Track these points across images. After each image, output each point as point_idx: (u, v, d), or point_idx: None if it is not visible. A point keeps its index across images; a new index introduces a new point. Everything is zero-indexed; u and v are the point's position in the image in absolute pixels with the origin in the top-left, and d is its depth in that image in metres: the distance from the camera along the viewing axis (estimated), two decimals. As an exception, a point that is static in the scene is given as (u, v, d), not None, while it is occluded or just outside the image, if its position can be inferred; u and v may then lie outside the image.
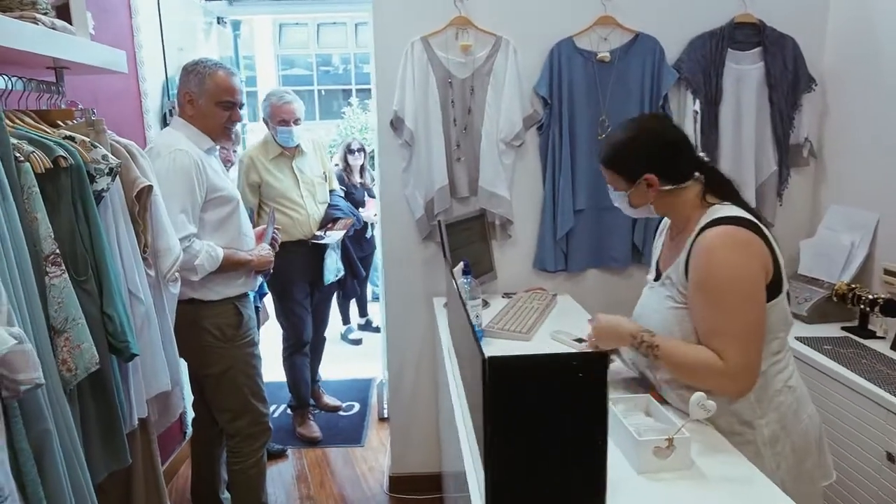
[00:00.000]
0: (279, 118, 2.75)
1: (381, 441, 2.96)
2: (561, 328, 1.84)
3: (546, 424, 0.93)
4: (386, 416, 2.89)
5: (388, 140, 2.27)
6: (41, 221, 1.15)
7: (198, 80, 1.86)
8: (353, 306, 4.56)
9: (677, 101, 2.27)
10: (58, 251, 1.17)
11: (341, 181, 3.72)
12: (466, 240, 2.20)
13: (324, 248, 2.88)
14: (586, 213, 2.29)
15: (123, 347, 1.33)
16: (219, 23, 3.25)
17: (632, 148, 1.29)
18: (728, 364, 1.15)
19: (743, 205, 1.25)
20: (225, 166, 2.36)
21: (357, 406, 3.32)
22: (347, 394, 3.45)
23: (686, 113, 2.24)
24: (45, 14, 1.38)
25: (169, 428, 2.38)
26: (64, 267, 1.18)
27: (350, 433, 3.04)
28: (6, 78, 1.32)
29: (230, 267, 1.88)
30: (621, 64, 2.20)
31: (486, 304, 2.18)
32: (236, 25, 9.16)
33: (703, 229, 1.21)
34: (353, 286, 3.95)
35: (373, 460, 2.82)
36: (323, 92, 13.43)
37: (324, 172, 2.97)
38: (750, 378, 1.18)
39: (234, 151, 2.89)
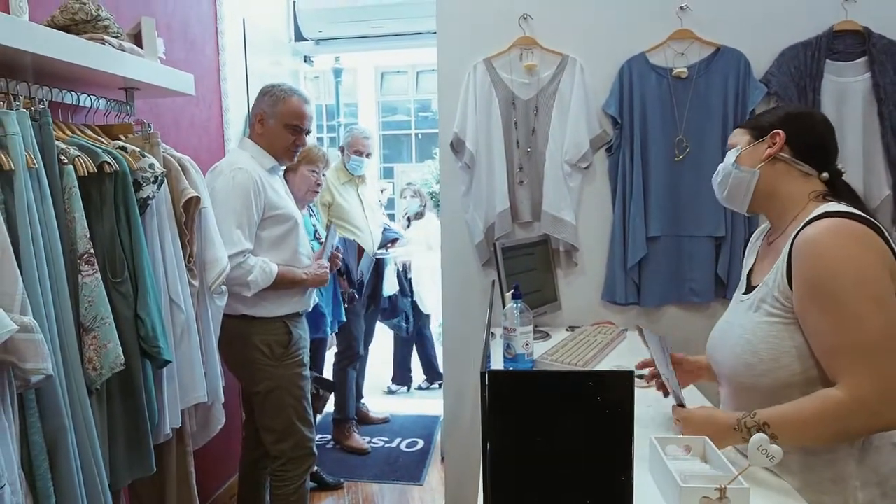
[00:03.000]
0: (356, 148, 3.05)
1: (441, 482, 2.81)
2: (621, 365, 1.64)
3: (556, 454, 0.79)
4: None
5: (449, 163, 2.23)
6: (78, 221, 1.19)
7: (272, 102, 1.93)
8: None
9: (767, 119, 2.04)
10: (92, 251, 1.20)
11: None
12: (527, 266, 2.06)
13: (383, 265, 3.12)
14: (662, 241, 2.08)
15: (155, 352, 1.34)
16: (306, 62, 3.44)
17: (779, 109, 1.21)
18: (860, 393, 0.90)
19: (863, 210, 1.03)
20: (317, 189, 2.52)
21: (420, 443, 3.20)
22: (412, 430, 3.35)
23: (777, 130, 2.00)
24: (116, 37, 1.49)
25: (229, 448, 2.42)
26: (97, 267, 1.21)
27: (410, 471, 2.92)
28: (75, 95, 1.42)
29: (284, 284, 1.89)
30: (701, 80, 2.02)
31: (546, 335, 2.03)
32: (338, 73, 9.78)
33: (806, 224, 1.00)
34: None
35: (430, 501, 2.67)
36: (420, 136, 13.88)
37: (378, 201, 3.27)
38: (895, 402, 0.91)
39: (324, 175, 2.89)
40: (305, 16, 3.66)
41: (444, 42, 2.19)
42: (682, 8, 2.03)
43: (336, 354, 3.12)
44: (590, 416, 0.79)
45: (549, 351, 1.77)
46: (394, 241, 3.25)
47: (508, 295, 1.69)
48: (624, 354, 1.81)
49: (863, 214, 0.99)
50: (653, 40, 2.06)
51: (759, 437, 0.88)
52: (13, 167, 1.04)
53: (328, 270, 2.06)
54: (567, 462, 0.80)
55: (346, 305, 2.85)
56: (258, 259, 1.81)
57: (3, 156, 1.03)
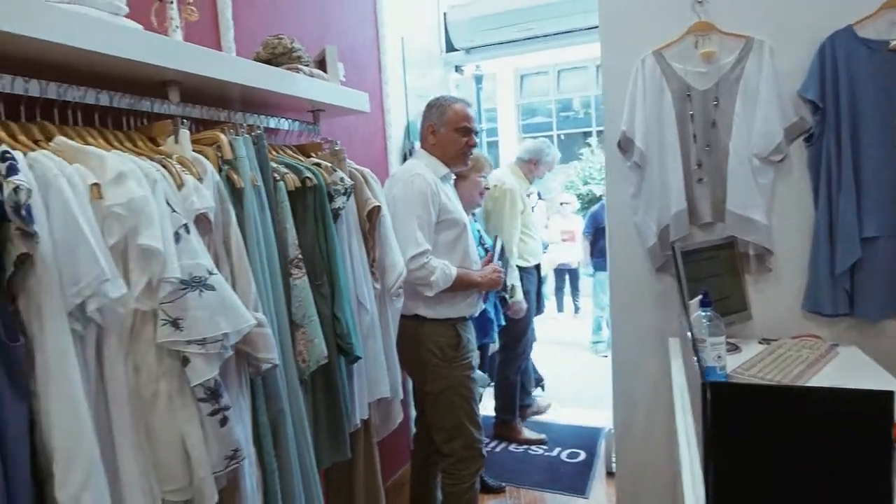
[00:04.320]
0: (545, 171, 3.40)
1: (609, 497, 2.69)
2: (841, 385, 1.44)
3: (793, 482, 0.70)
4: (614, 470, 2.63)
5: (616, 164, 2.14)
6: (289, 230, 1.33)
7: (439, 112, 2.04)
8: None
9: None
10: (300, 256, 1.33)
11: None
12: (710, 271, 1.90)
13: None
14: (882, 242, 1.77)
15: (349, 348, 1.45)
16: (457, 71, 3.54)
17: None
18: None
19: None
20: (484, 193, 2.60)
21: (583, 454, 3.10)
22: (572, 440, 3.27)
23: None
24: (307, 66, 1.65)
25: (399, 442, 2.54)
26: (304, 270, 1.34)
27: (573, 482, 2.84)
28: (275, 119, 1.59)
29: (461, 286, 1.96)
30: (925, 50, 1.73)
31: (735, 348, 1.84)
32: (479, 80, 9.95)
33: None
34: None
35: (598, 515, 2.58)
36: (563, 136, 13.62)
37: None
38: None
39: (485, 177, 2.74)
40: (456, 26, 3.78)
41: (608, 37, 2.11)
42: (897, -32, 1.75)
43: (500, 356, 3.17)
44: (836, 441, 0.69)
45: (744, 365, 1.61)
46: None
47: (692, 303, 1.58)
48: (840, 374, 1.58)
49: None
50: (861, 10, 1.79)
51: None
52: (243, 185, 1.18)
53: (501, 275, 2.10)
54: (806, 492, 0.71)
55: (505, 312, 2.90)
56: (439, 261, 1.89)
57: (235, 176, 1.18)
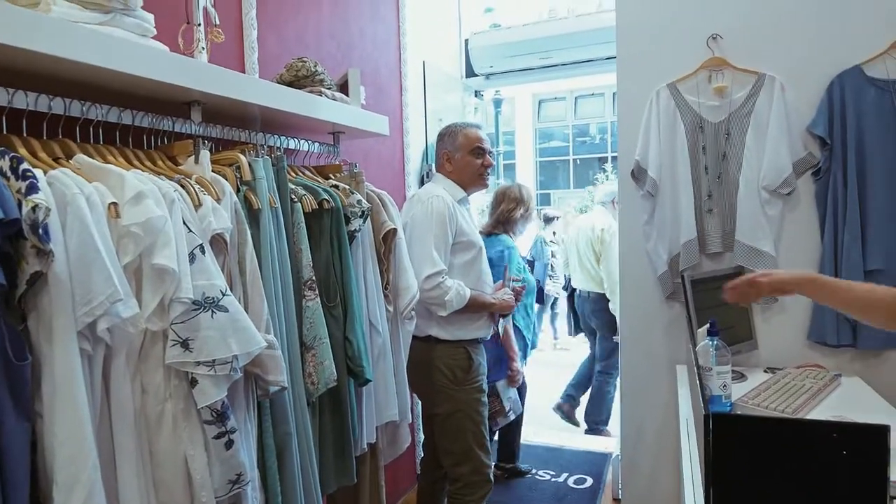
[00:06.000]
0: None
1: (615, 525, 2.66)
2: (844, 416, 1.43)
3: None
4: (620, 496, 2.60)
5: (629, 192, 2.16)
6: (304, 252, 1.35)
7: (451, 139, 2.08)
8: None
9: None
10: (314, 278, 1.35)
11: None
12: (718, 300, 1.89)
13: None
14: (886, 274, 1.79)
15: (359, 371, 1.45)
16: (476, 96, 3.59)
17: None
18: None
19: None
20: None
21: (589, 481, 3.07)
22: (580, 466, 3.23)
23: None
24: (329, 88, 1.69)
25: (405, 465, 2.54)
26: (317, 292, 1.36)
27: (578, 508, 2.81)
28: (295, 140, 1.63)
29: (475, 308, 1.97)
30: (935, 90, 1.74)
31: (741, 376, 1.85)
32: (498, 104, 10.04)
33: None
34: None
35: (602, 543, 2.54)
36: (578, 161, 13.67)
37: None
38: None
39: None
40: (477, 53, 3.85)
41: (624, 67, 2.15)
42: (907, 10, 1.77)
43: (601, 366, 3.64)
44: (832, 474, 0.70)
45: (749, 394, 1.61)
46: None
47: (700, 331, 1.58)
48: (843, 403, 1.59)
49: None
50: (869, 50, 1.82)
51: None
52: (260, 206, 1.21)
53: (515, 298, 2.12)
54: None
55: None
56: (454, 282, 1.91)
57: (253, 197, 1.21)
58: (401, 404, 1.70)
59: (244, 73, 1.73)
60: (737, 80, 1.98)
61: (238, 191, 1.20)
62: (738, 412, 1.52)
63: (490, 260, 2.21)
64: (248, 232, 1.15)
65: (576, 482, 3.05)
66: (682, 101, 2.03)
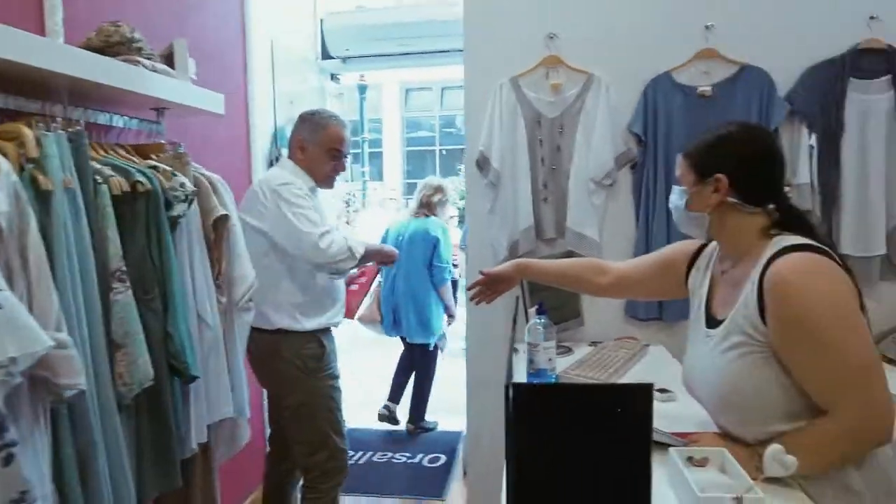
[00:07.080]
0: None
1: (463, 497, 2.79)
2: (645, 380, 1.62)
3: (578, 467, 0.80)
4: (466, 471, 2.74)
5: (475, 181, 2.23)
6: (112, 240, 1.22)
7: (311, 129, 1.97)
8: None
9: (790, 136, 2.03)
10: (124, 268, 1.23)
11: None
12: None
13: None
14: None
15: (183, 368, 1.35)
16: (333, 79, 3.50)
17: (719, 143, 1.14)
18: (851, 423, 0.96)
19: (816, 238, 1.06)
20: None
21: (443, 458, 3.18)
22: (435, 445, 3.34)
23: (800, 147, 2.00)
24: (148, 59, 1.53)
25: (247, 464, 2.43)
26: (128, 284, 1.24)
27: (432, 486, 2.90)
28: (108, 115, 1.47)
29: (370, 253, 1.98)
30: (724, 98, 2.01)
31: (569, 350, 2.02)
32: (363, 90, 9.88)
33: (769, 261, 1.02)
34: None
35: (452, 518, 2.65)
36: (444, 152, 13.94)
37: None
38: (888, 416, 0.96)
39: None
40: (332, 35, 3.73)
41: (470, 61, 2.21)
42: (707, 27, 2.02)
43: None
44: (611, 429, 0.80)
45: (572, 366, 1.78)
46: None
47: (532, 311, 1.69)
48: (646, 369, 1.82)
49: (819, 245, 1.03)
50: (678, 59, 2.05)
51: (774, 449, 0.93)
52: (51, 188, 1.07)
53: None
54: (588, 474, 0.81)
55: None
56: (338, 233, 1.87)
57: (41, 177, 1.07)
58: (237, 400, 1.61)
59: (45, 35, 1.51)
60: (570, 79, 2.12)
61: (22, 170, 1.05)
62: (562, 382, 1.66)
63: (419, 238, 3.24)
64: (32, 217, 1.00)
65: (430, 461, 3.15)
66: (522, 95, 2.14)
